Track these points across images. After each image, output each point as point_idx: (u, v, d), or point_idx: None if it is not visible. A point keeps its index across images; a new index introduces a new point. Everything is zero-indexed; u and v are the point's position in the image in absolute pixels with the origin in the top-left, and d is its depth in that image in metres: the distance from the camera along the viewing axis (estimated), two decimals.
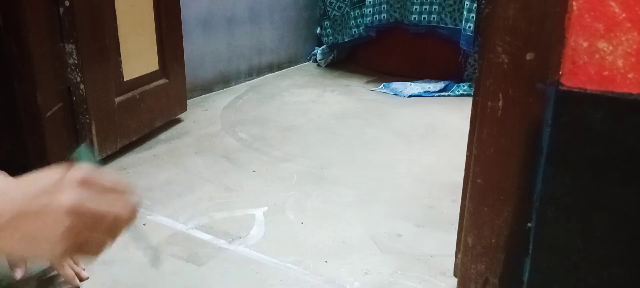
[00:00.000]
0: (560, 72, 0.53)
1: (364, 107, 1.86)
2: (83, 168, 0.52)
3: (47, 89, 1.14)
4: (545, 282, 0.60)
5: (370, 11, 2.19)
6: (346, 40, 2.32)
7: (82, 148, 0.56)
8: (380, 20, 2.20)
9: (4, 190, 0.51)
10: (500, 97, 0.58)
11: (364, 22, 2.22)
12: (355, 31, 2.28)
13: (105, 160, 1.28)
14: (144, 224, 1.03)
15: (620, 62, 0.51)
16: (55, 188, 0.50)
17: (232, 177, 1.25)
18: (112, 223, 0.51)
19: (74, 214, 0.49)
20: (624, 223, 0.55)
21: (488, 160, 0.61)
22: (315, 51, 2.49)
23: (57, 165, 0.51)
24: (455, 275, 0.84)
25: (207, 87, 1.97)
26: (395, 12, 2.17)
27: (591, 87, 0.52)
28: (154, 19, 1.44)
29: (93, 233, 0.51)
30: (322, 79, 2.24)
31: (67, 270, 0.86)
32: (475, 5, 1.92)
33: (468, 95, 1.96)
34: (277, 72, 2.33)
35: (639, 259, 0.55)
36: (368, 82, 2.19)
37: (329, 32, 2.35)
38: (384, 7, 2.18)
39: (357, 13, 2.25)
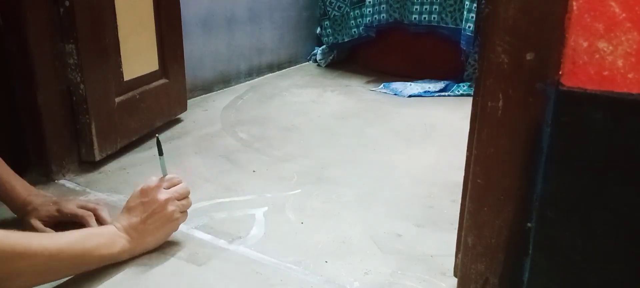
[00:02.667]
0: (560, 72, 0.53)
1: (364, 107, 1.86)
2: (153, 178, 0.93)
3: (47, 89, 1.14)
4: (545, 282, 0.60)
5: (370, 11, 2.19)
6: (346, 40, 2.32)
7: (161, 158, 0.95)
8: (379, 20, 2.20)
9: (128, 217, 0.89)
10: (500, 97, 0.58)
11: (364, 22, 2.22)
12: (355, 31, 2.28)
13: (105, 160, 1.28)
14: None
15: (620, 62, 0.51)
16: (144, 202, 0.89)
17: (232, 177, 1.25)
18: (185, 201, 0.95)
19: (170, 202, 0.91)
20: (624, 223, 0.55)
21: (488, 160, 0.61)
22: (315, 51, 2.49)
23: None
24: (455, 275, 0.84)
25: (207, 87, 1.98)
26: (395, 12, 2.17)
27: (591, 87, 0.52)
28: (154, 19, 1.44)
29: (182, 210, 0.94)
30: (322, 79, 2.24)
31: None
32: (475, 5, 1.92)
33: (468, 95, 1.96)
34: (277, 72, 2.34)
35: (639, 259, 0.55)
36: (368, 82, 2.19)
37: (329, 32, 2.35)
38: (383, 7, 2.18)
39: (357, 13, 2.25)
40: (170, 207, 0.91)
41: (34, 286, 0.78)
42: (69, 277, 0.83)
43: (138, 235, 0.88)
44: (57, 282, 0.82)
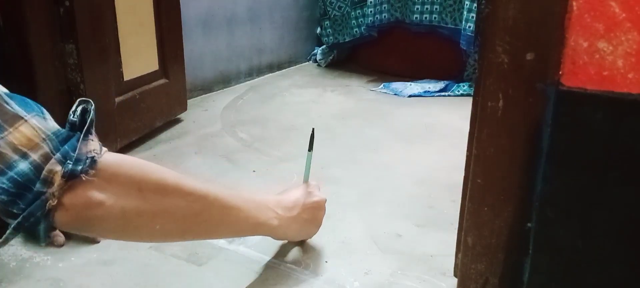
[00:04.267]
0: (560, 72, 0.53)
1: (364, 107, 1.86)
2: (310, 183, 0.91)
3: (47, 89, 1.14)
4: (545, 282, 0.60)
5: (371, 11, 2.19)
6: (347, 40, 2.32)
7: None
8: (381, 19, 2.20)
9: (281, 197, 0.85)
10: (500, 97, 0.58)
11: (366, 21, 2.22)
12: (356, 31, 2.28)
13: None
14: None
15: (620, 62, 0.51)
16: (310, 192, 0.88)
17: (232, 177, 1.25)
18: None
19: (323, 205, 0.90)
20: (624, 223, 0.55)
21: (488, 160, 0.61)
22: (315, 51, 2.49)
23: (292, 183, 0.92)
24: (455, 275, 0.84)
25: (207, 87, 1.98)
26: (396, 11, 2.17)
27: (591, 87, 0.52)
28: (154, 19, 1.44)
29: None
30: (322, 79, 2.24)
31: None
32: (475, 5, 1.92)
33: (468, 95, 1.96)
34: (277, 72, 2.33)
35: (639, 259, 0.55)
36: (368, 82, 2.19)
37: (329, 32, 2.35)
38: (385, 7, 2.18)
39: (358, 13, 2.25)
40: (322, 212, 0.91)
41: (171, 237, 0.72)
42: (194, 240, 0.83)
43: (289, 218, 0.83)
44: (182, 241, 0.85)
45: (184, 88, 1.62)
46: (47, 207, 0.54)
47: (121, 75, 1.33)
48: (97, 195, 0.58)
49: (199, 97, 1.91)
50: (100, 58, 1.23)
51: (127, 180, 0.61)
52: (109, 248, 0.95)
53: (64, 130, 0.58)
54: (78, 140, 0.58)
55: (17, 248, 0.93)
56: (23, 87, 1.12)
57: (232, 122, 1.66)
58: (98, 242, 0.95)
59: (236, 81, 2.12)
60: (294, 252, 0.94)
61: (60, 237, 0.94)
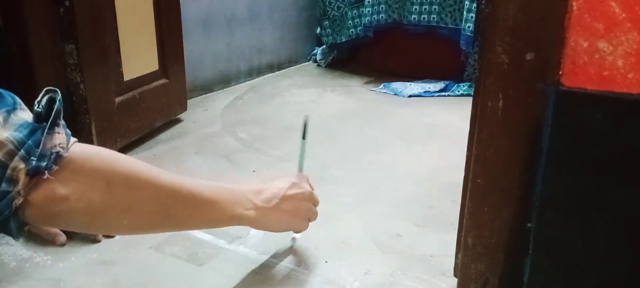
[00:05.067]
0: (560, 72, 0.53)
1: (364, 107, 1.86)
2: (302, 174, 0.90)
3: None
4: (545, 282, 0.60)
5: (368, 11, 2.19)
6: (344, 40, 2.32)
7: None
8: (378, 20, 2.20)
9: (262, 187, 0.82)
10: (500, 97, 0.58)
11: (363, 22, 2.22)
12: (352, 31, 2.28)
13: None
14: None
15: (620, 62, 0.51)
16: (296, 183, 0.84)
17: (232, 177, 1.25)
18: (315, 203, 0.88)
19: (312, 198, 0.87)
20: (624, 223, 0.55)
21: (488, 160, 0.61)
22: (315, 51, 2.50)
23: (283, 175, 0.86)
24: (455, 275, 0.84)
25: (207, 87, 1.98)
26: (393, 12, 2.17)
27: (591, 87, 0.52)
28: (154, 19, 1.44)
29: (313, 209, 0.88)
30: (322, 79, 2.24)
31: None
32: (474, 5, 1.92)
33: (468, 95, 1.96)
34: (277, 72, 2.34)
35: (639, 259, 0.55)
36: (368, 82, 2.19)
37: (328, 32, 2.35)
38: (382, 7, 2.18)
39: (355, 13, 2.25)
40: (308, 204, 0.86)
41: (141, 231, 0.73)
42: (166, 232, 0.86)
43: (267, 208, 0.80)
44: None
45: (184, 88, 1.62)
46: (13, 206, 0.53)
47: (121, 75, 1.33)
48: (61, 190, 0.56)
49: (199, 97, 1.91)
50: (100, 58, 1.23)
51: (94, 173, 0.59)
52: (109, 248, 0.95)
53: (29, 122, 0.56)
54: (43, 133, 0.55)
55: (17, 248, 0.93)
56: (23, 87, 1.12)
57: (232, 122, 1.66)
58: (99, 242, 0.95)
59: (236, 81, 2.12)
60: (294, 252, 0.94)
61: (62, 237, 0.94)
